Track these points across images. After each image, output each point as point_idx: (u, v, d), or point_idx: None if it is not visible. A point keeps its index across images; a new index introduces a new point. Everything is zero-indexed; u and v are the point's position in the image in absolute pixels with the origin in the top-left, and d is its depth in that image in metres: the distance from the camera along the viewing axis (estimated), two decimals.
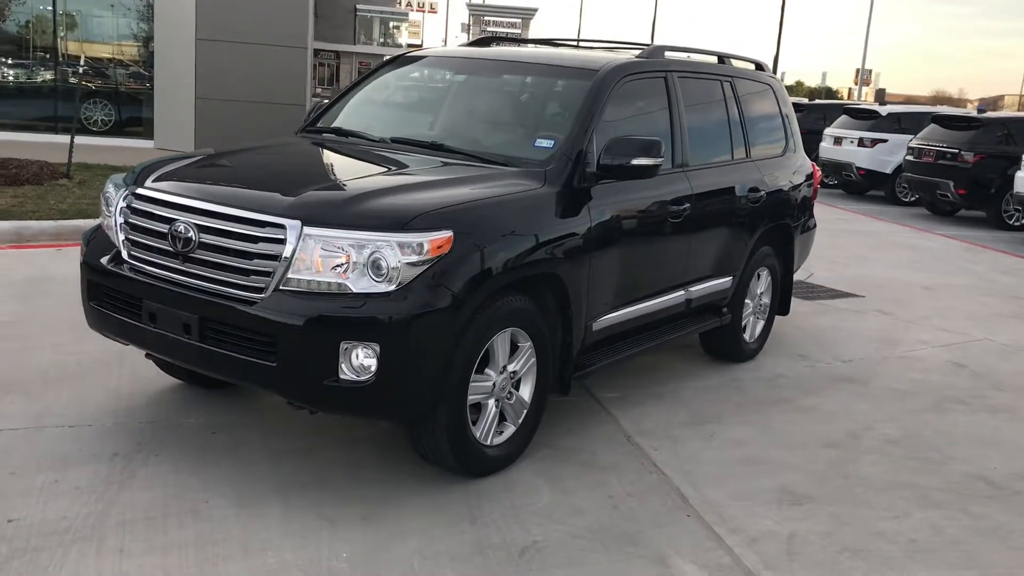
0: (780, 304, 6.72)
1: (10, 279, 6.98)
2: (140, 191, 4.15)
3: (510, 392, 4.25)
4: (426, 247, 3.71)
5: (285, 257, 3.68)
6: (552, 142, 4.62)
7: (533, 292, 4.30)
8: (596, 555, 3.63)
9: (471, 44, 6.35)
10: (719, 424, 5.14)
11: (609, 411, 5.20)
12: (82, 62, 16.29)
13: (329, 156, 4.99)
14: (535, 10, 75.95)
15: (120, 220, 4.18)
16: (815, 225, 7.11)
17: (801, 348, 6.82)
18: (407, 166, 4.59)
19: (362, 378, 3.64)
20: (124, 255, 4.13)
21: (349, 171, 4.61)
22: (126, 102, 16.35)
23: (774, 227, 6.30)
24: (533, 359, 4.33)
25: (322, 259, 3.66)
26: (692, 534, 3.86)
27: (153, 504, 3.72)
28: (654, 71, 5.31)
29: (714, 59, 6.21)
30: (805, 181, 6.78)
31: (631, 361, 5.86)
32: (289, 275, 3.68)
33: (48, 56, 16.09)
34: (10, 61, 16.09)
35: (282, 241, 3.70)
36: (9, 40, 16.08)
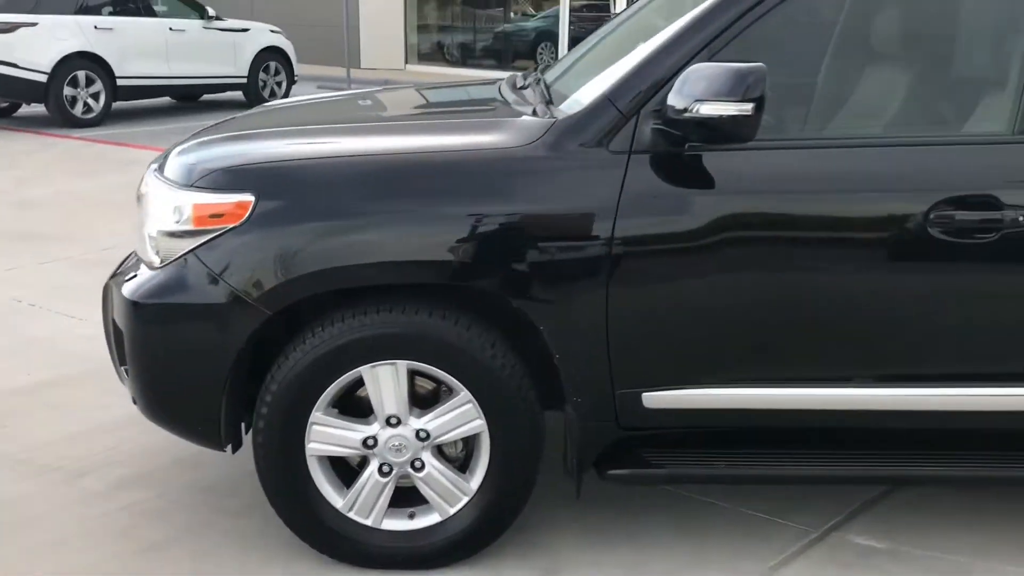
0: None
1: None
2: None
3: (419, 461, 2.74)
4: (187, 213, 2.62)
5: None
6: None
7: (488, 314, 2.67)
8: None
9: None
10: None
11: (798, 559, 2.92)
12: None
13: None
14: None
15: None
16: None
17: None
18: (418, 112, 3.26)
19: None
20: None
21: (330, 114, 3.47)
22: None
23: None
24: (479, 421, 2.70)
25: (148, 214, 2.88)
26: None
27: None
28: None
29: None
30: None
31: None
32: (143, 229, 3.00)
33: None
34: None
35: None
36: None
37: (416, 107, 3.66)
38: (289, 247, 2.56)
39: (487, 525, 2.79)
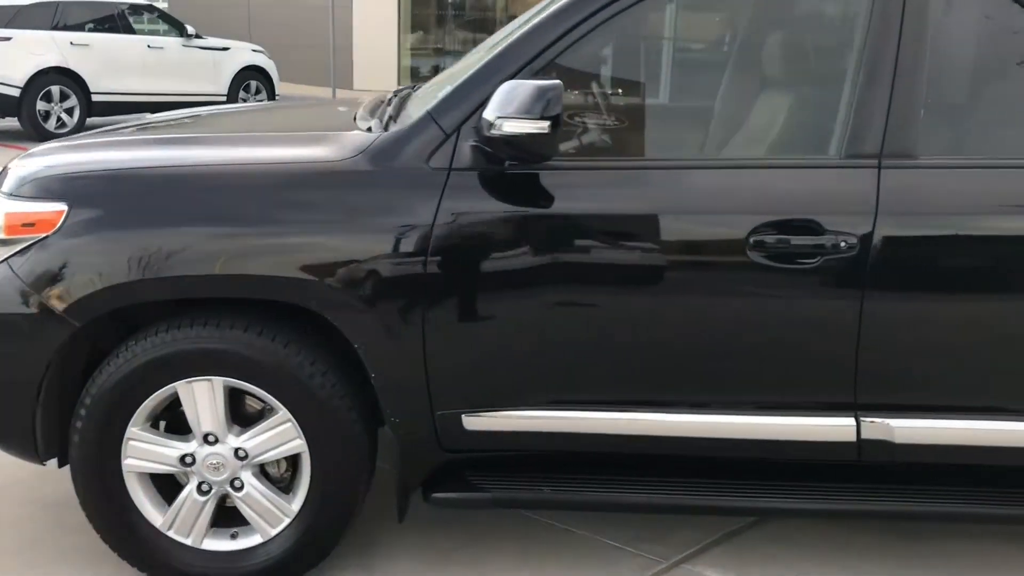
0: None
1: None
2: None
3: (239, 481, 2.68)
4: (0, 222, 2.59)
5: None
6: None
7: (309, 331, 2.62)
8: None
9: None
10: None
11: None
12: None
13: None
14: None
15: None
16: None
17: None
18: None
19: None
20: None
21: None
22: None
23: None
24: (299, 441, 2.64)
25: None
26: None
27: None
28: None
29: None
30: None
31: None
32: None
33: None
34: None
35: None
36: None
37: (277, 119, 3.63)
38: (94, 258, 2.51)
39: (309, 548, 2.72)
